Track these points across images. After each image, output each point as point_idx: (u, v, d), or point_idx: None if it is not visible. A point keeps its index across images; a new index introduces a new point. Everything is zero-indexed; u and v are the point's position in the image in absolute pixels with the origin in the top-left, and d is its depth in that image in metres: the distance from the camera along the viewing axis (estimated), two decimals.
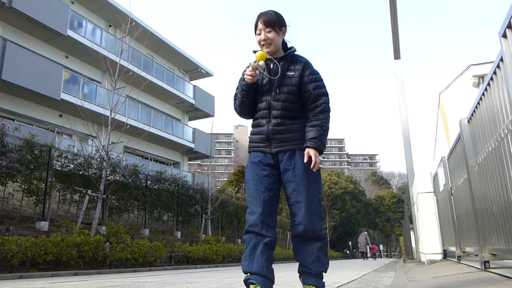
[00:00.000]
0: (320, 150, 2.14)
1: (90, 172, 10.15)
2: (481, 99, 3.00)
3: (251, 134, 2.32)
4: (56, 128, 16.15)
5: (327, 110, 2.20)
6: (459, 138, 4.02)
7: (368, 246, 26.69)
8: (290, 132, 2.20)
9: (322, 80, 2.26)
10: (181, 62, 24.39)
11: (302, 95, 2.21)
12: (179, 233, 13.63)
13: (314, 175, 2.17)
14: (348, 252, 34.73)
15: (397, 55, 10.79)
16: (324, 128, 2.17)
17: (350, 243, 33.61)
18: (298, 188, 2.13)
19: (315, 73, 2.25)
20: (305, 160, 2.08)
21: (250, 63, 2.14)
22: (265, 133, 2.22)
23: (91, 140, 15.59)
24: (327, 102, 2.22)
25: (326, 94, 2.23)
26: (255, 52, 2.24)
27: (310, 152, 2.10)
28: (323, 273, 2.18)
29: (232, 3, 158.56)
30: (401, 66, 11.01)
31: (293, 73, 2.21)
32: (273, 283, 2.12)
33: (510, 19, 2.15)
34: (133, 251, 8.56)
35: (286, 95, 2.19)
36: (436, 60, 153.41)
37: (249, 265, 2.10)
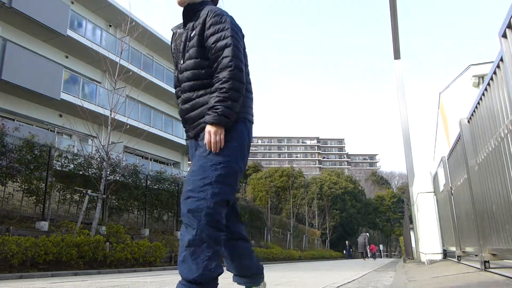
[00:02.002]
0: (219, 123, 1.65)
1: (90, 172, 10.15)
2: (481, 99, 3.00)
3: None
4: (56, 128, 16.16)
5: (228, 66, 1.67)
6: (459, 138, 4.02)
7: (366, 247, 26.69)
8: (198, 107, 1.79)
9: (229, 28, 1.72)
10: None
11: (208, 55, 1.76)
12: (179, 233, 13.60)
13: (210, 155, 1.68)
14: (344, 252, 34.55)
15: (397, 55, 10.79)
16: (223, 90, 1.66)
17: (347, 242, 33.47)
18: (190, 169, 1.75)
19: (219, 22, 1.73)
20: (205, 141, 1.67)
21: None
22: (180, 116, 1.91)
23: (91, 140, 15.59)
24: (231, 55, 1.68)
25: (229, 45, 1.69)
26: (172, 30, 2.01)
27: (206, 129, 1.67)
28: (196, 283, 1.56)
29: (231, 2, 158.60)
30: (401, 66, 11.01)
31: (195, 32, 1.79)
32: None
33: (510, 19, 2.15)
34: (133, 251, 8.56)
35: (188, 61, 1.79)
36: (436, 60, 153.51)
37: (229, 266, 2.06)
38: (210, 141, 1.65)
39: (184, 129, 1.95)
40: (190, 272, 1.56)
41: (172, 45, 1.95)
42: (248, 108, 1.85)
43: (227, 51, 1.69)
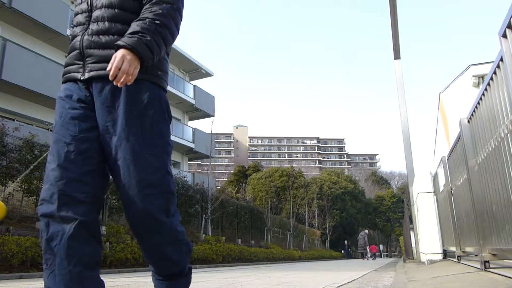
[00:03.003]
0: (140, 52, 1.30)
1: None
2: (481, 99, 3.00)
3: (67, 55, 1.52)
4: None
5: (170, 2, 1.41)
6: (459, 138, 4.02)
7: (367, 247, 26.61)
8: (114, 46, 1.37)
9: None
10: (181, 62, 24.38)
11: None
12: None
13: (150, 120, 1.39)
14: (343, 251, 34.35)
15: (397, 55, 10.79)
16: (157, 22, 1.35)
17: (345, 241, 33.35)
18: (120, 143, 1.36)
19: None
20: (108, 68, 1.29)
21: None
22: (78, 47, 1.44)
23: None
24: None
25: None
26: None
27: (118, 54, 1.29)
28: (182, 272, 1.55)
29: (231, 3, 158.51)
30: (401, 66, 11.01)
31: None
32: None
33: (510, 19, 2.15)
34: (133, 251, 8.56)
35: None
36: (436, 60, 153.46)
37: (49, 278, 1.27)
38: (119, 67, 1.27)
39: (71, 65, 1.47)
40: (177, 266, 1.52)
41: None
42: (166, 74, 1.53)
43: None
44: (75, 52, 1.45)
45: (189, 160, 25.89)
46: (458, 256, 5.11)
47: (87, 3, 1.47)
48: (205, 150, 21.15)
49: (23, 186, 8.84)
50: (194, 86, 24.37)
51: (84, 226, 1.31)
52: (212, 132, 20.47)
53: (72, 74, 1.45)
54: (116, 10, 1.42)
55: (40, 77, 13.94)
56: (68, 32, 15.55)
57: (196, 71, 25.60)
